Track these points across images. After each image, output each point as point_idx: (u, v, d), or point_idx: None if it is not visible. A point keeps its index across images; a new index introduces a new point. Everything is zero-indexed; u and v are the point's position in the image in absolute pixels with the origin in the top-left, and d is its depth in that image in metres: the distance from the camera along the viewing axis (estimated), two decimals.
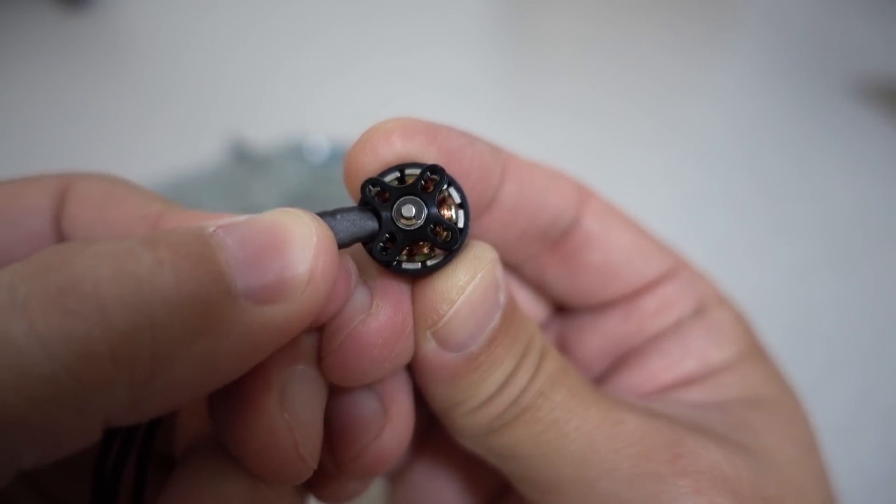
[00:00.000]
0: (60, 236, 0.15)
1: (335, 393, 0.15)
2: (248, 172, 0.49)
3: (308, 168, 0.49)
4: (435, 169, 0.13)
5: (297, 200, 0.45)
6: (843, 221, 0.50)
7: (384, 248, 0.14)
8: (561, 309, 0.21)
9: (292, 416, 0.13)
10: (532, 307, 0.21)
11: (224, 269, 0.11)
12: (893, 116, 0.62)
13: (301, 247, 0.12)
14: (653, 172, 0.55)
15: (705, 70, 0.73)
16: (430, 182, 0.14)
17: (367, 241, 0.13)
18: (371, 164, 0.14)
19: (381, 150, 0.14)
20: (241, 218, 0.12)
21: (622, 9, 0.85)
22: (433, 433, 0.21)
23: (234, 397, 0.13)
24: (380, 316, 0.14)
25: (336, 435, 0.15)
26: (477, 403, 0.15)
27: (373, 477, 0.16)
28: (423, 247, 0.14)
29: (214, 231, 0.11)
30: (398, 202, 0.13)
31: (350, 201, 0.14)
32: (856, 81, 0.68)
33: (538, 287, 0.20)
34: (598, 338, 0.20)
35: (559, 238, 0.18)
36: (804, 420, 0.18)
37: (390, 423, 0.15)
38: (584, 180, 0.20)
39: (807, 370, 0.38)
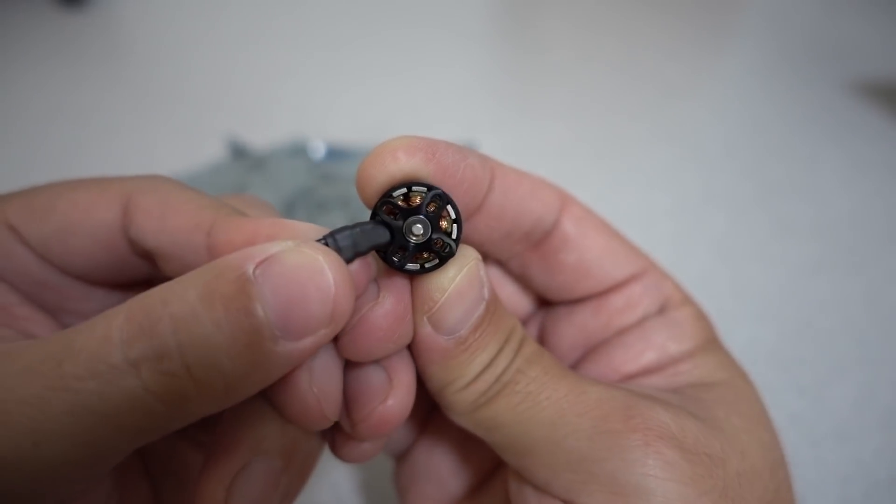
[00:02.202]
0: (130, 243, 0.19)
1: (350, 366, 0.18)
2: (245, 170, 0.49)
3: (306, 165, 0.49)
4: (438, 193, 0.17)
5: (295, 198, 0.45)
6: (845, 222, 0.50)
7: (395, 256, 0.17)
8: (544, 303, 0.24)
9: (319, 388, 0.17)
10: (518, 299, 0.24)
11: (264, 321, 0.14)
12: (894, 116, 0.62)
13: (322, 299, 0.15)
14: (653, 173, 0.55)
15: (705, 70, 0.73)
16: (433, 202, 0.17)
17: (381, 249, 0.17)
18: (380, 176, 0.17)
19: (388, 164, 0.16)
20: (275, 248, 0.15)
21: (622, 10, 0.85)
22: (433, 418, 0.24)
23: None
24: (385, 304, 0.17)
25: (350, 400, 0.18)
26: (465, 382, 0.18)
27: (381, 437, 0.19)
28: (423, 253, 0.17)
29: (255, 276, 0.14)
30: (409, 221, 0.17)
31: (360, 203, 0.18)
32: (857, 81, 0.68)
33: (523, 281, 0.23)
34: (572, 330, 0.23)
35: (540, 239, 0.21)
36: (754, 399, 0.20)
37: (394, 391, 0.18)
38: (579, 183, 0.21)
39: (810, 372, 0.38)
